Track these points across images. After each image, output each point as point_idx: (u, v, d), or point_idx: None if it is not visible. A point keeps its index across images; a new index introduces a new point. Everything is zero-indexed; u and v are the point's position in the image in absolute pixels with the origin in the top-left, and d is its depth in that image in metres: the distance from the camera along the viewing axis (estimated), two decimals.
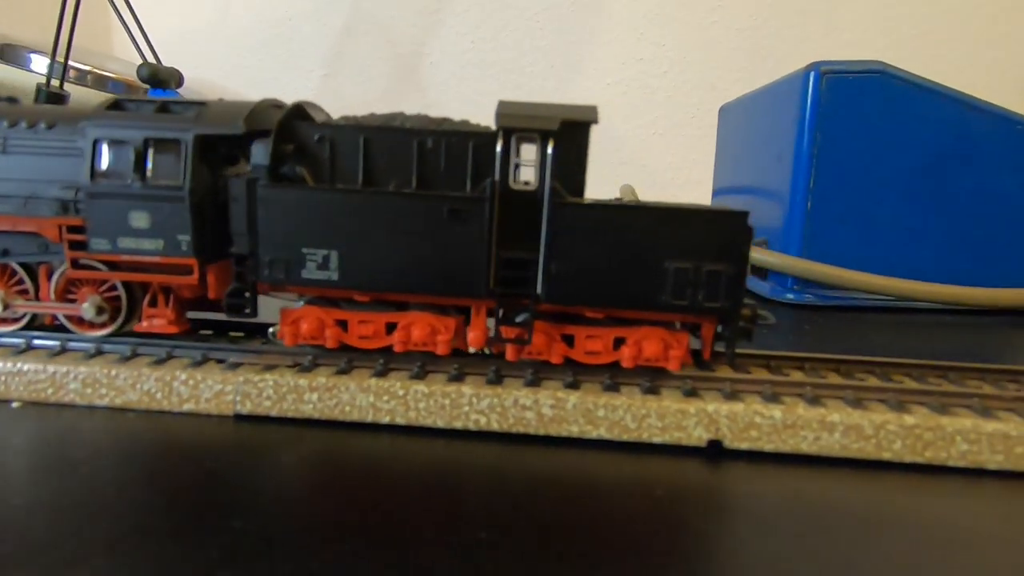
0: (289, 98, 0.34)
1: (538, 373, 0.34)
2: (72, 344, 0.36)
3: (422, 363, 0.34)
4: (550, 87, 1.76)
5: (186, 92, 1.52)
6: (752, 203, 0.84)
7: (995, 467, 0.30)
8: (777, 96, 0.76)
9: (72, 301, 0.35)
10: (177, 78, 1.39)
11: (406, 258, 0.31)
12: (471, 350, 0.35)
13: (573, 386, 0.33)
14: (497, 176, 0.30)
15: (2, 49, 1.52)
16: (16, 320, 0.36)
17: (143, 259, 0.32)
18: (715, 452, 0.31)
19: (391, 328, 0.34)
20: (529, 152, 0.31)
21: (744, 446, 0.31)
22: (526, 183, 0.31)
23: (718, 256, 0.30)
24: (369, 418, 0.33)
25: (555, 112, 0.31)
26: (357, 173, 0.32)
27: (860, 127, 0.68)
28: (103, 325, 0.35)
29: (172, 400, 0.33)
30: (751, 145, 0.85)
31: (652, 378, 0.34)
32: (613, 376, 0.34)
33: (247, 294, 0.32)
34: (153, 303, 0.35)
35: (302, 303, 0.34)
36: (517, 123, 0.30)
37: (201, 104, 0.32)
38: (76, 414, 0.33)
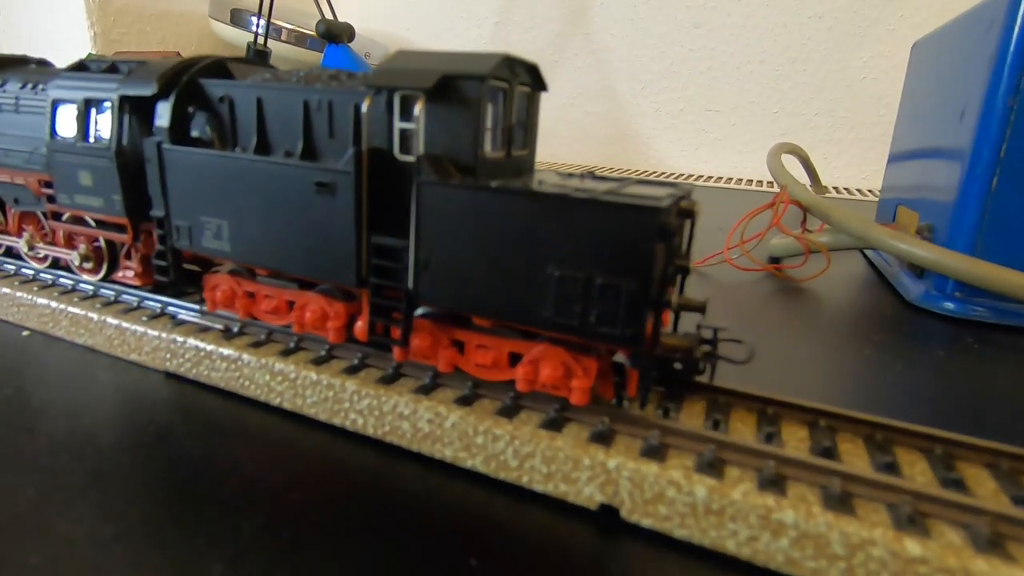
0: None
1: (437, 379, 0.29)
2: (81, 285, 0.40)
3: (330, 348, 0.32)
4: (733, 22, 1.53)
5: (357, 45, 1.63)
6: (923, 172, 0.63)
7: None
8: (971, 25, 0.54)
9: (74, 247, 0.39)
10: (349, 32, 1.50)
11: (282, 234, 0.28)
12: None
13: (465, 401, 0.28)
14: (364, 144, 0.25)
15: (233, 13, 1.78)
16: (43, 259, 0.41)
17: (91, 215, 0.34)
18: (608, 522, 0.24)
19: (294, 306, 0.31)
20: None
21: (646, 523, 0.23)
22: (410, 155, 0.25)
23: (614, 265, 0.21)
24: (263, 397, 0.31)
25: (441, 64, 0.24)
26: (252, 136, 0.29)
27: None
28: (94, 271, 0.39)
29: (123, 348, 0.36)
30: (936, 94, 0.63)
31: (563, 408, 0.27)
32: (517, 397, 0.27)
33: (168, 257, 0.32)
34: (129, 255, 0.38)
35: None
36: (387, 79, 0.25)
37: (141, 63, 0.32)
38: (62, 348, 0.37)
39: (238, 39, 1.63)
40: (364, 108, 0.25)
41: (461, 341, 0.27)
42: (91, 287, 0.39)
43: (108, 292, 0.39)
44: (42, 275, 0.41)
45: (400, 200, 0.26)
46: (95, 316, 0.36)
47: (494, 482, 0.26)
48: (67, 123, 0.33)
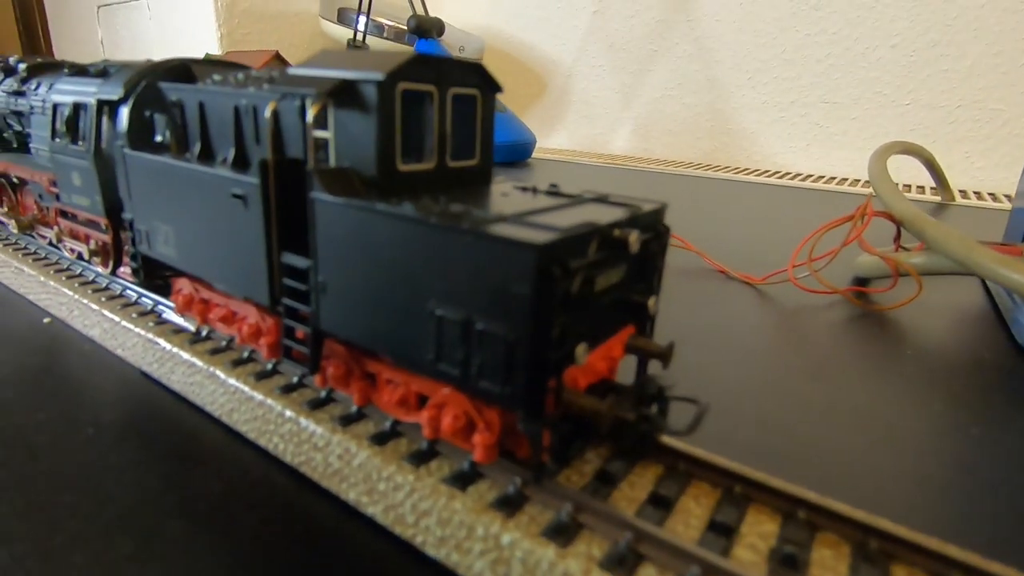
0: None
1: (363, 410, 0.27)
2: (99, 278, 0.42)
3: (275, 364, 0.30)
4: (860, 2, 1.36)
5: (452, 39, 1.64)
6: None
7: None
8: None
9: (87, 243, 0.41)
10: (439, 27, 1.51)
11: (209, 244, 0.27)
12: None
13: (381, 439, 0.25)
14: (269, 153, 0.23)
15: (340, 12, 1.87)
16: (72, 251, 0.44)
17: (82, 214, 0.35)
18: None
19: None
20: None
21: None
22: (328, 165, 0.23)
23: (495, 309, 0.17)
24: (209, 408, 0.31)
25: (350, 68, 0.21)
26: (196, 141, 0.28)
27: None
28: (103, 265, 0.40)
29: (112, 342, 0.37)
30: None
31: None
32: (436, 442, 0.24)
33: (138, 259, 0.33)
34: None
35: None
36: (290, 83, 0.22)
37: (124, 67, 0.33)
38: (72, 336, 0.40)
39: (345, 36, 1.71)
40: (267, 114, 0.23)
41: (373, 373, 0.25)
42: (104, 280, 0.41)
43: (117, 287, 0.40)
44: (73, 266, 0.44)
45: (302, 216, 0.23)
46: (95, 307, 0.38)
47: (389, 535, 0.23)
48: (61, 125, 0.35)
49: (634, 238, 0.20)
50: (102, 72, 0.34)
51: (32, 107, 0.40)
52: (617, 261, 0.21)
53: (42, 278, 0.43)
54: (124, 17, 1.90)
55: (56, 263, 0.46)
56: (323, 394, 0.28)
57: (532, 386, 0.18)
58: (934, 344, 0.44)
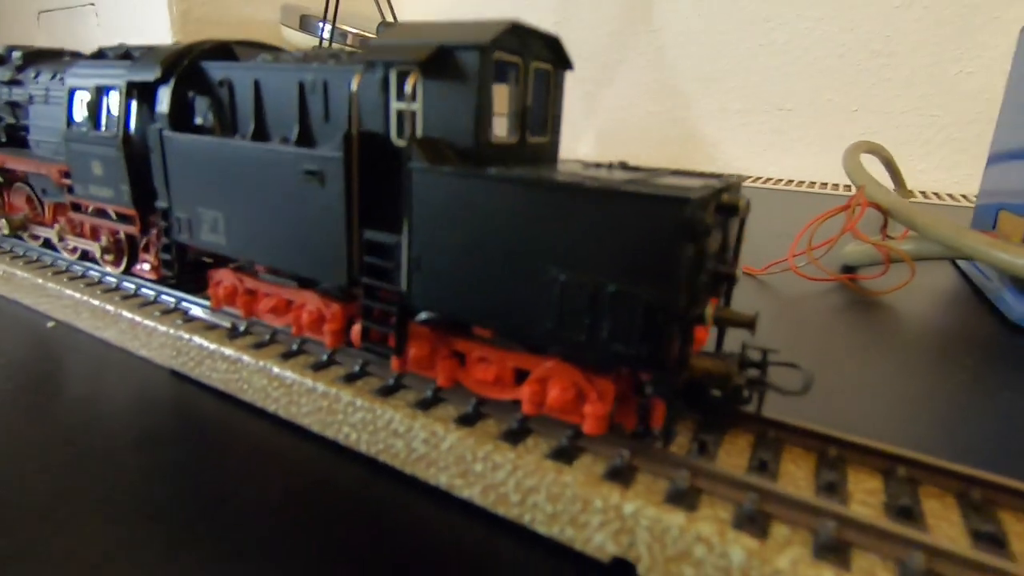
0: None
1: (440, 392, 0.26)
2: (106, 278, 0.40)
3: (332, 352, 0.29)
4: (809, 15, 1.43)
5: None
6: None
7: None
8: None
9: (97, 239, 0.39)
10: None
11: (272, 227, 0.26)
12: None
13: (467, 420, 0.24)
14: (354, 128, 0.22)
15: (302, 19, 1.83)
16: (73, 251, 0.41)
17: (102, 205, 0.33)
18: None
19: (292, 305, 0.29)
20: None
21: None
22: (404, 138, 0.22)
23: (630, 269, 0.17)
24: (259, 402, 0.29)
25: (437, 35, 0.21)
26: (249, 122, 0.27)
27: None
28: (115, 263, 0.38)
29: (134, 343, 0.35)
30: None
31: (577, 436, 0.23)
32: (527, 419, 0.24)
33: (172, 251, 0.31)
34: (148, 248, 0.37)
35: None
36: (378, 53, 0.22)
37: (149, 49, 0.31)
38: (81, 339, 0.37)
39: (307, 44, 1.67)
40: (353, 87, 0.22)
41: (462, 352, 0.24)
42: (114, 280, 0.39)
43: (130, 285, 0.38)
44: (74, 267, 0.41)
45: (396, 190, 0.23)
46: (111, 308, 0.36)
47: (494, 518, 0.23)
48: (81, 112, 0.32)
49: (743, 203, 0.20)
50: (125, 55, 0.32)
51: (32, 96, 0.37)
52: (715, 229, 0.21)
53: (40, 280, 0.40)
54: (68, 23, 1.80)
55: (52, 265, 0.43)
56: (391, 380, 0.27)
57: (671, 346, 0.17)
58: (927, 321, 0.46)
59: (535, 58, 0.24)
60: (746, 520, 0.19)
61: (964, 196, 1.16)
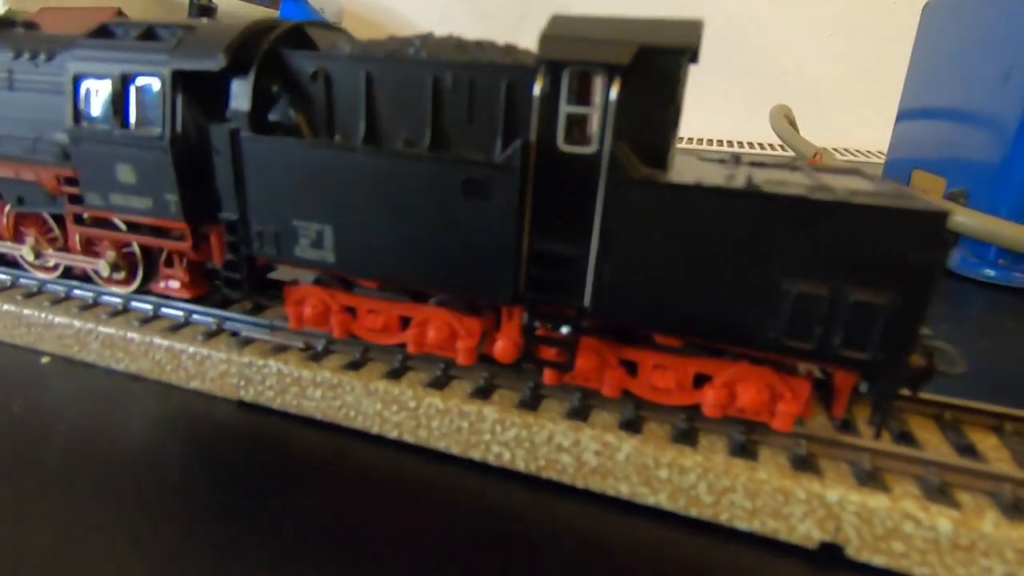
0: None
1: (587, 400, 0.26)
2: (104, 298, 0.34)
3: (446, 366, 0.27)
4: None
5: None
6: (950, 136, 0.63)
7: None
8: None
9: (96, 254, 0.32)
10: None
11: (412, 241, 0.23)
12: None
13: (631, 427, 0.24)
14: (533, 134, 0.21)
15: None
16: (51, 268, 0.34)
17: (134, 219, 0.28)
18: (829, 561, 0.21)
19: (407, 323, 0.27)
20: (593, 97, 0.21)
21: (879, 561, 0.21)
22: (582, 145, 0.21)
23: (881, 281, 0.18)
24: (375, 429, 0.27)
25: (630, 33, 0.20)
26: (358, 122, 0.24)
27: None
28: (125, 282, 0.32)
29: (180, 375, 0.30)
30: (963, 56, 0.62)
31: (747, 431, 0.24)
32: (691, 419, 0.24)
33: (242, 269, 0.27)
34: (170, 263, 0.31)
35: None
36: (567, 52, 0.20)
37: (189, 28, 0.26)
38: (94, 376, 0.31)
39: (249, 13, 1.47)
40: (537, 90, 0.20)
41: (631, 361, 0.24)
42: (119, 300, 0.33)
43: (143, 306, 0.33)
44: (49, 286, 0.35)
45: (563, 200, 0.21)
46: (137, 336, 0.31)
47: (676, 517, 0.23)
48: (97, 105, 0.26)
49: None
50: (147, 33, 0.26)
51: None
52: None
53: (27, 311, 0.33)
54: None
55: (15, 286, 0.35)
56: (528, 392, 0.26)
57: (905, 351, 0.19)
58: None
59: None
60: (935, 493, 0.21)
61: (870, 152, 1.26)
